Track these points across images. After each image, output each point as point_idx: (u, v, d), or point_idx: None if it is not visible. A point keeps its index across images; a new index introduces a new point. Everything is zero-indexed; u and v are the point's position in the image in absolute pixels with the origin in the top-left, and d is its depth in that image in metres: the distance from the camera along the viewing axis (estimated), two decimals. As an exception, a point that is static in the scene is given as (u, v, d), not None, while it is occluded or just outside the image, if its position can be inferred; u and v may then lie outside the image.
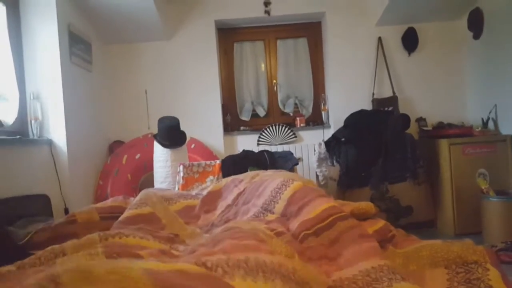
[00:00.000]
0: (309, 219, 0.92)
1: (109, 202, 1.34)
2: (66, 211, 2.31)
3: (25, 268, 0.72)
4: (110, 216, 1.20)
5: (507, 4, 2.69)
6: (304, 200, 1.00)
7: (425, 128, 3.16)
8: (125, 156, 2.94)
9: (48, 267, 0.68)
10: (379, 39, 3.27)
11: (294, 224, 0.94)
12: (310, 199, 0.99)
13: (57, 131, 2.39)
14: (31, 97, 2.31)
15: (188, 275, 0.58)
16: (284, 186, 1.08)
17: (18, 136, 2.12)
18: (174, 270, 0.59)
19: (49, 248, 0.81)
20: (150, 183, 2.66)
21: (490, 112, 2.91)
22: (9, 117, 2.18)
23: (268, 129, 3.33)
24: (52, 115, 2.39)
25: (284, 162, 2.59)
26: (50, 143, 2.35)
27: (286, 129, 3.32)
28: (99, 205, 1.31)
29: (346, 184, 2.89)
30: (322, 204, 0.94)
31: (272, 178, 1.16)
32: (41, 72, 2.38)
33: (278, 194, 1.07)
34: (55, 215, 2.16)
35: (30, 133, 2.29)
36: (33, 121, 2.29)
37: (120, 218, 1.15)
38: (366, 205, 1.12)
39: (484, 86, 3.05)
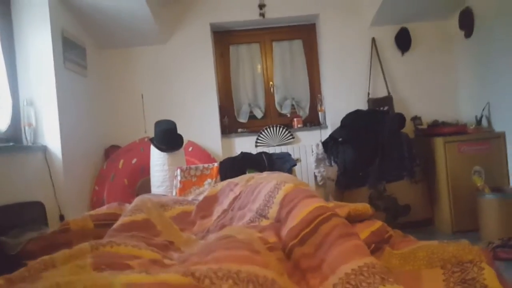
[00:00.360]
0: (295, 225, 0.91)
1: (103, 209, 1.33)
2: (62, 218, 2.29)
3: (13, 282, 0.71)
4: (105, 223, 1.19)
5: (496, 3, 2.72)
6: (292, 203, 0.99)
7: (420, 127, 3.18)
8: (122, 161, 2.93)
9: (31, 282, 0.67)
10: (373, 39, 3.29)
11: (283, 232, 0.94)
12: (297, 202, 0.98)
13: (51, 137, 2.37)
14: (25, 103, 2.29)
15: (170, 286, 0.58)
16: (276, 189, 1.08)
17: (11, 143, 2.10)
18: (157, 282, 0.58)
19: (39, 259, 0.80)
20: (147, 187, 2.65)
21: (483, 110, 2.93)
22: (2, 124, 2.16)
23: (265, 131, 3.33)
24: (46, 121, 2.37)
25: (282, 163, 2.59)
26: (44, 149, 2.34)
27: (284, 130, 3.32)
28: (93, 212, 1.30)
29: (344, 184, 2.90)
30: (307, 206, 0.93)
31: (266, 181, 1.15)
32: (34, 78, 2.36)
33: (271, 198, 1.06)
34: (50, 223, 2.15)
35: (24, 140, 2.27)
36: (26, 128, 2.27)
37: (114, 226, 1.14)
38: (362, 207, 1.12)
39: (476, 84, 3.07)
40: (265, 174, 1.35)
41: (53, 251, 0.87)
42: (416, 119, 3.24)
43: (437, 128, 3.03)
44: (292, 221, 0.94)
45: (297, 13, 3.33)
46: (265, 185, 1.14)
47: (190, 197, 1.44)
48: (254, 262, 0.70)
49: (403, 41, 3.29)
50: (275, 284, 0.64)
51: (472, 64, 3.11)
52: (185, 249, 1.01)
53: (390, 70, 3.30)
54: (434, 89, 3.31)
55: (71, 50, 2.63)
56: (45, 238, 1.09)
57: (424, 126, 3.16)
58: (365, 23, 3.28)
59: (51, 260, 0.80)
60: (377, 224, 1.07)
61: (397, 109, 3.18)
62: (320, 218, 0.89)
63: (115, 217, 1.22)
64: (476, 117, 2.97)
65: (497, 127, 2.84)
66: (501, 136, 2.76)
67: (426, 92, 3.30)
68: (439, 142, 2.80)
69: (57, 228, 1.16)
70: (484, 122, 2.94)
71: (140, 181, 2.96)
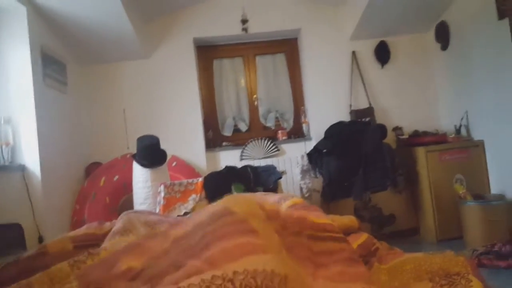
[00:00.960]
0: (303, 218, 0.91)
1: (83, 229, 1.28)
2: (41, 239, 2.19)
3: None
4: (85, 244, 1.14)
5: (469, 16, 2.86)
6: (302, 210, 1.00)
7: (401, 137, 3.25)
8: (103, 178, 2.85)
9: None
10: (353, 52, 3.38)
11: (283, 208, 0.94)
12: (307, 212, 0.99)
13: (30, 156, 2.29)
14: (2, 121, 2.21)
15: None
16: (282, 200, 1.09)
17: (-14, 163, 2.02)
18: None
19: (15, 285, 0.74)
20: (129, 205, 2.57)
21: (462, 119, 3.03)
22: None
23: (250, 144, 3.32)
24: (24, 139, 2.29)
25: (268, 176, 2.58)
26: (22, 168, 2.25)
27: (269, 142, 3.33)
28: (72, 233, 1.24)
29: (329, 195, 2.91)
30: (320, 218, 0.95)
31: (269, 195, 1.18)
32: (12, 95, 2.30)
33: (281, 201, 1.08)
34: (29, 245, 2.05)
35: (1, 159, 2.18)
36: (4, 146, 2.19)
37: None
38: (349, 220, 1.12)
39: (454, 94, 3.18)
40: (259, 194, 1.35)
41: (29, 276, 0.82)
42: (397, 129, 3.31)
43: (418, 138, 3.11)
44: (297, 212, 0.94)
45: (279, 28, 3.39)
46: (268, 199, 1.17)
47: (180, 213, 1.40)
48: (253, 250, 0.68)
49: (383, 54, 3.39)
50: (274, 277, 0.63)
51: (449, 75, 3.23)
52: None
53: (370, 82, 3.38)
54: (414, 99, 3.40)
55: (50, 66, 2.58)
56: (20, 263, 1.03)
57: (406, 136, 3.24)
58: (345, 37, 3.37)
59: (28, 284, 0.75)
60: (363, 236, 1.07)
61: (379, 120, 3.24)
62: (330, 234, 0.90)
63: (95, 237, 1.17)
64: (455, 126, 3.07)
65: (476, 136, 2.94)
66: (480, 145, 2.85)
67: (406, 102, 3.39)
68: (420, 151, 2.87)
69: (33, 251, 1.10)
70: (463, 131, 3.03)
71: (122, 198, 2.87)
